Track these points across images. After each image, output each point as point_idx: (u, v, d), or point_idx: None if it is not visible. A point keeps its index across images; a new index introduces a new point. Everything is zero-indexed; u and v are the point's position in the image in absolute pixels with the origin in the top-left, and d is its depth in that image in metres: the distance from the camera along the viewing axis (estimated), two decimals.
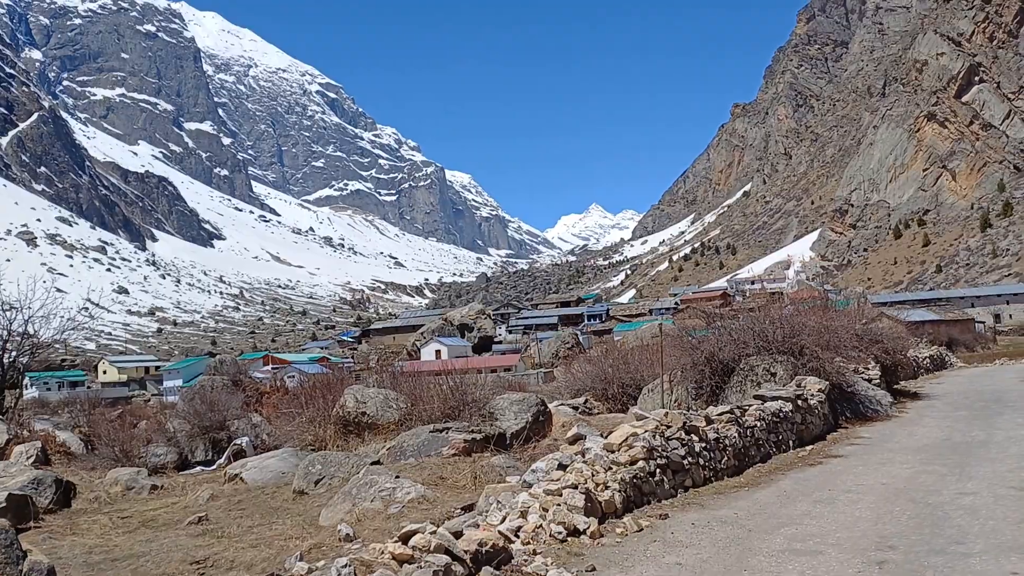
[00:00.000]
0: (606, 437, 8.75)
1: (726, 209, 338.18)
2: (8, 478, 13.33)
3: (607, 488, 7.56)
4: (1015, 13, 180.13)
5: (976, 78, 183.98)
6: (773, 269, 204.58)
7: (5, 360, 25.88)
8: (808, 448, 12.37)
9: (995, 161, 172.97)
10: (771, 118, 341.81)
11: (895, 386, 20.12)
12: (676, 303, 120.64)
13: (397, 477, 10.82)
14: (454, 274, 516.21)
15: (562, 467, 8.30)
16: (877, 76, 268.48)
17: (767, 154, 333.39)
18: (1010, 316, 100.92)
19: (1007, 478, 9.06)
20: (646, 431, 8.66)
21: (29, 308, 28.27)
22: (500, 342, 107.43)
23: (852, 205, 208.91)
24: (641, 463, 8.15)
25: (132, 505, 13.22)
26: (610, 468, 7.93)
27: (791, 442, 12.41)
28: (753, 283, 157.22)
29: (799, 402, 13.00)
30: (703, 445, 9.62)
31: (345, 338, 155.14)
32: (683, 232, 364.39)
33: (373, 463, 12.30)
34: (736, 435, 10.60)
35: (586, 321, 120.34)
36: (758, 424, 11.46)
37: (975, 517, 7.31)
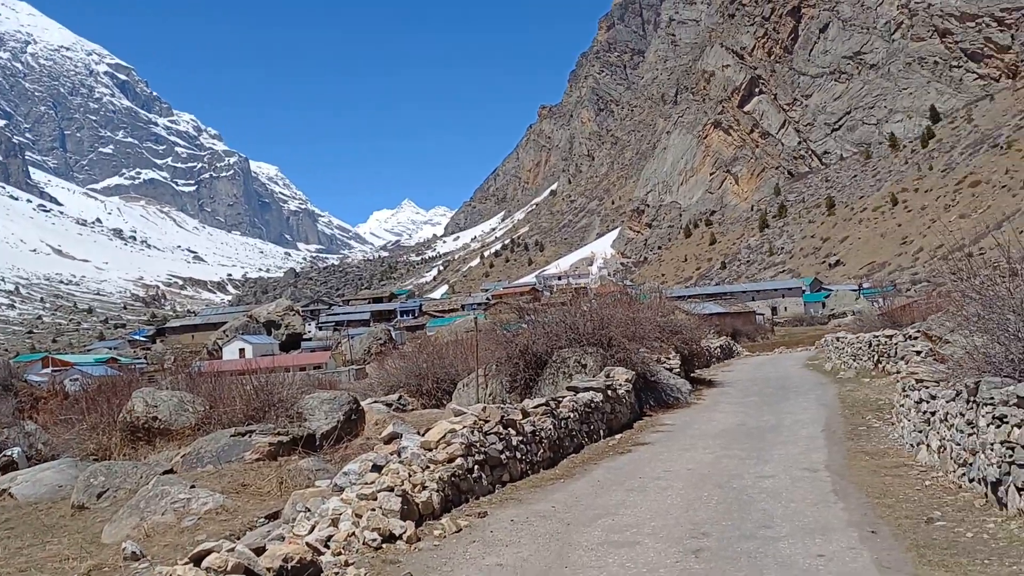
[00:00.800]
0: (423, 435, 8.41)
1: (534, 207, 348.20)
2: None
3: (425, 488, 7.21)
4: (790, 30, 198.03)
5: (757, 89, 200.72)
6: (578, 265, 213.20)
7: None
8: (617, 437, 12.66)
9: (772, 167, 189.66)
10: (575, 120, 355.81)
11: (692, 374, 21.26)
12: (488, 298, 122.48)
13: (192, 486, 9.92)
14: (260, 269, 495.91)
15: (377, 468, 7.87)
16: (670, 84, 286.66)
17: (572, 155, 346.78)
18: (785, 309, 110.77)
19: (799, 460, 9.65)
20: (464, 427, 8.40)
21: None
22: (310, 339, 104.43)
23: (648, 205, 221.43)
24: (460, 460, 7.88)
25: None
26: (428, 467, 7.59)
27: (602, 431, 12.65)
28: (560, 279, 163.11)
29: (609, 392, 13.30)
30: (520, 439, 9.52)
31: (137, 337, 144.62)
32: (494, 229, 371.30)
33: (165, 472, 11.24)
34: (551, 427, 10.62)
35: (399, 317, 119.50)
36: (572, 415, 11.56)
37: (777, 500, 7.64)
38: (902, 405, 10.32)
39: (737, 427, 12.95)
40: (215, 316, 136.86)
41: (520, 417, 9.93)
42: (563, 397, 12.08)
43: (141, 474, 11.20)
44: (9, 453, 16.32)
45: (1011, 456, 6.15)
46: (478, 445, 8.38)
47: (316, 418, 13.96)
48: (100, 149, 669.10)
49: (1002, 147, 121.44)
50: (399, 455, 8.02)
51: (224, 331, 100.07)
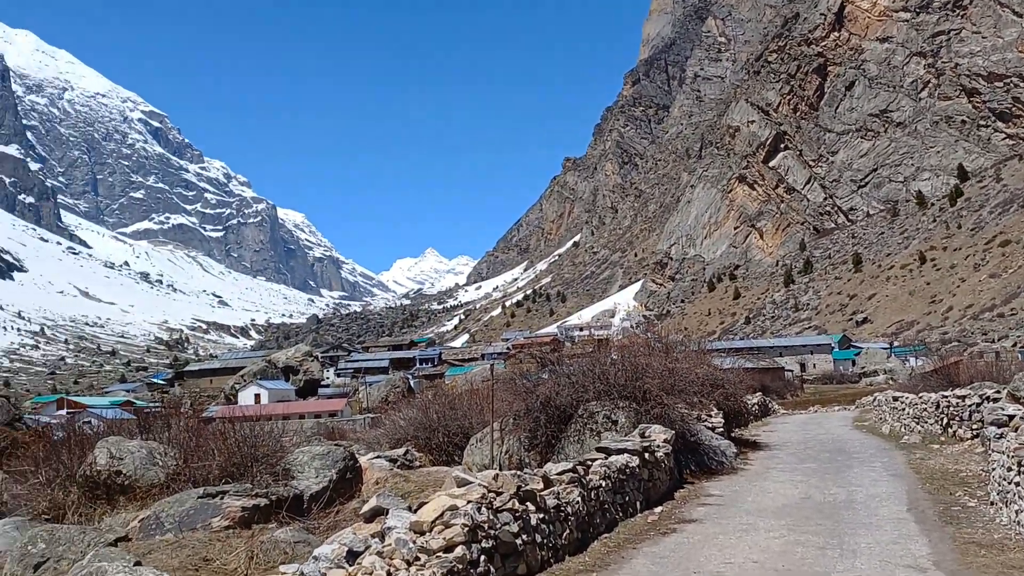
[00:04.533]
0: (416, 511, 6.50)
1: (557, 258, 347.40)
2: None
3: None
4: (815, 88, 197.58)
5: (782, 145, 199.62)
6: (600, 316, 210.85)
7: None
8: (657, 510, 10.65)
9: (797, 222, 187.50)
10: (599, 173, 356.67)
11: (732, 434, 19.17)
12: (508, 348, 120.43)
13: (137, 564, 8.04)
14: (283, 315, 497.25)
15: (353, 555, 5.99)
16: (695, 139, 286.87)
17: (595, 207, 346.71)
18: (814, 366, 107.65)
19: (896, 553, 7.63)
20: (469, 502, 6.49)
21: None
22: (327, 385, 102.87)
23: (671, 258, 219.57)
24: (460, 549, 5.95)
25: None
26: (417, 559, 5.68)
27: (638, 503, 10.67)
28: (582, 330, 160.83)
29: (646, 455, 11.33)
30: (541, 516, 7.57)
31: (156, 380, 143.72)
32: (516, 279, 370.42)
33: (118, 539, 9.39)
34: (580, 500, 8.66)
35: (418, 365, 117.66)
36: (603, 484, 9.61)
37: None
38: (1017, 483, 8.28)
39: (802, 502, 10.89)
40: (234, 360, 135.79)
41: (541, 487, 8.01)
42: (592, 460, 10.14)
43: (89, 541, 9.35)
44: None
45: None
46: (486, 527, 6.46)
47: (305, 476, 12.11)
48: (131, 194, 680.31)
49: None
50: (382, 539, 6.12)
51: (242, 376, 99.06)
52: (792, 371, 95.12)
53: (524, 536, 7.06)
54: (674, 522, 9.85)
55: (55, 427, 20.43)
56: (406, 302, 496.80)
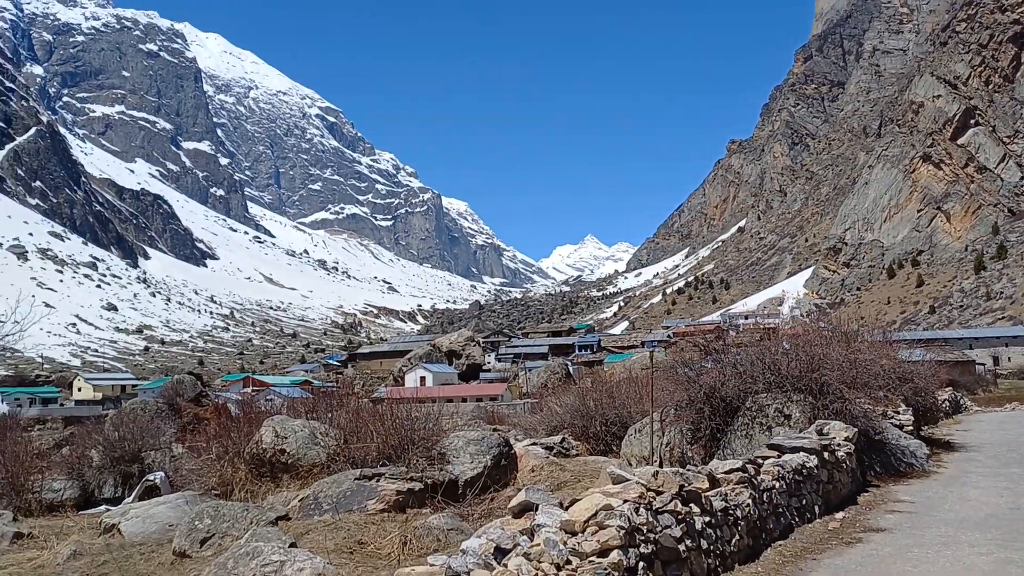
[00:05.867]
0: (567, 508, 5.98)
1: (720, 244, 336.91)
2: None
3: None
4: (1011, 58, 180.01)
5: (972, 121, 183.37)
6: (767, 305, 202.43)
7: None
8: (839, 517, 9.59)
9: (990, 204, 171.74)
10: (767, 155, 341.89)
11: (921, 433, 17.40)
12: (669, 335, 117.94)
13: (292, 545, 8.04)
14: (447, 301, 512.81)
15: (501, 552, 5.57)
16: (873, 117, 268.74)
17: (762, 191, 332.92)
18: (1008, 359, 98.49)
19: None
20: (625, 501, 5.91)
21: None
22: (488, 370, 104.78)
23: (846, 243, 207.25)
24: (616, 554, 5.38)
25: None
26: (567, 563, 5.17)
27: (816, 508, 9.66)
28: (747, 318, 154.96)
29: (825, 455, 10.26)
30: (706, 520, 6.86)
31: (332, 362, 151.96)
32: (677, 266, 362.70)
33: (273, 521, 9.51)
34: (750, 502, 7.85)
35: (577, 351, 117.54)
36: (777, 485, 8.71)
37: None
38: None
39: (1010, 511, 9.50)
40: (402, 344, 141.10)
41: (706, 487, 7.29)
42: (764, 458, 9.25)
43: (251, 519, 9.56)
44: (152, 478, 15.49)
45: None
46: (645, 530, 5.84)
47: (460, 461, 11.93)
48: (310, 186, 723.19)
49: None
50: (531, 536, 5.65)
51: (409, 359, 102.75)
52: (983, 365, 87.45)
53: (688, 541, 6.38)
54: (859, 530, 8.80)
55: (232, 403, 21.57)
56: (565, 289, 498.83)
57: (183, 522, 9.76)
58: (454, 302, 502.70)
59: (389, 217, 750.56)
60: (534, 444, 15.34)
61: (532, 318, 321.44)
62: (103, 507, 15.42)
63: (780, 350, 13.66)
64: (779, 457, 9.54)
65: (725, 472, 8.01)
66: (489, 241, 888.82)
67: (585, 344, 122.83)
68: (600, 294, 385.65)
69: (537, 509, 6.04)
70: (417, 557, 8.53)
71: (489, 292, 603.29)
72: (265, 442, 12.00)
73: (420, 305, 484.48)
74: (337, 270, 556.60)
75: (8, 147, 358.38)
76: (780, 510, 8.64)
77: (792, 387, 12.94)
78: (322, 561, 7.78)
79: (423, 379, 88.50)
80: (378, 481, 10.30)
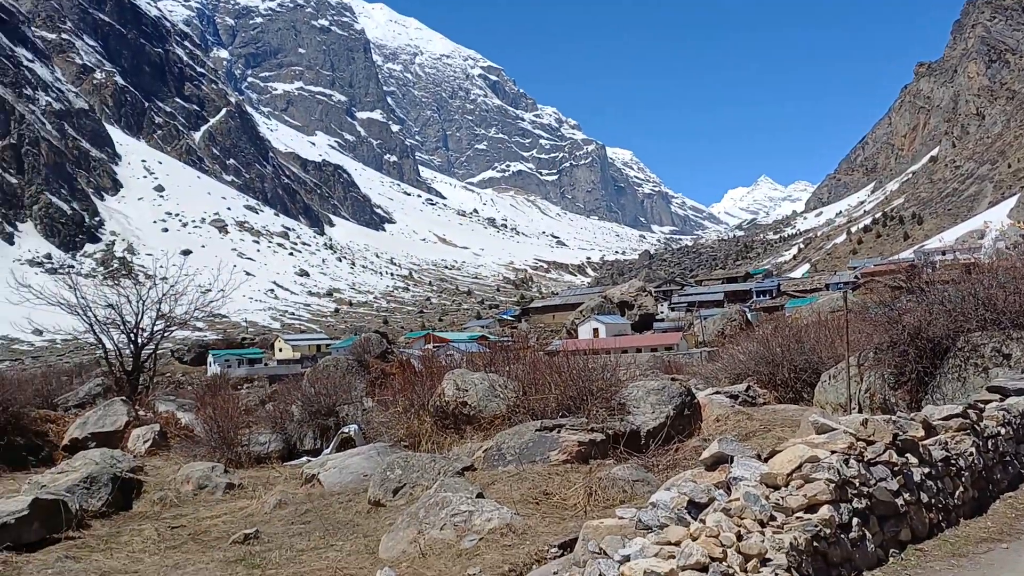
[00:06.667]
0: (766, 460, 5.52)
1: (910, 176, 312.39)
2: (63, 475, 11.78)
3: (766, 564, 4.37)
4: None
5: None
6: (966, 239, 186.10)
7: (140, 339, 25.47)
8: None
9: None
10: (960, 76, 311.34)
11: None
12: (856, 276, 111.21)
13: (479, 496, 8.10)
14: (616, 252, 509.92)
15: (695, 506, 5.23)
16: None
17: (956, 115, 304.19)
18: None
19: None
20: (833, 452, 5.37)
21: (165, 282, 27.96)
22: (662, 320, 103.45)
23: None
24: (826, 509, 4.89)
25: (197, 509, 11.34)
26: (772, 519, 4.74)
27: None
28: (944, 253, 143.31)
29: None
30: (925, 471, 6.17)
31: (506, 317, 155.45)
32: (862, 202, 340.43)
33: (460, 471, 9.64)
34: (973, 450, 7.03)
35: (754, 297, 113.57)
36: (1002, 431, 7.78)
37: None
38: None
39: None
40: (573, 297, 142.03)
41: (921, 435, 6.57)
42: (984, 402, 8.29)
43: (439, 469, 9.77)
44: (347, 431, 16.31)
45: None
46: (857, 483, 5.29)
47: (641, 411, 11.62)
48: (476, 146, 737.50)
49: None
50: (727, 490, 5.27)
51: (580, 311, 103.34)
52: None
53: (905, 495, 5.75)
54: None
55: (415, 359, 22.37)
56: (739, 233, 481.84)
57: (376, 472, 10.12)
58: (623, 253, 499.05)
59: (554, 171, 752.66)
60: (717, 393, 14.78)
61: (705, 265, 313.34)
62: (304, 458, 16.42)
63: (995, 283, 12.26)
64: (1002, 400, 8.54)
65: (942, 419, 7.21)
66: (656, 189, 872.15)
67: (763, 289, 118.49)
68: (777, 237, 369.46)
69: (732, 461, 5.63)
70: (603, 508, 8.38)
71: (658, 241, 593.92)
72: (447, 395, 12.23)
73: (589, 258, 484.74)
74: (506, 227, 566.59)
75: (203, 129, 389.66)
76: (1007, 459, 7.72)
77: (1011, 323, 11.60)
78: (509, 511, 7.77)
79: (596, 331, 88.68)
80: (559, 432, 10.22)
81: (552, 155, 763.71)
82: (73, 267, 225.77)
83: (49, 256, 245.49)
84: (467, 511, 7.75)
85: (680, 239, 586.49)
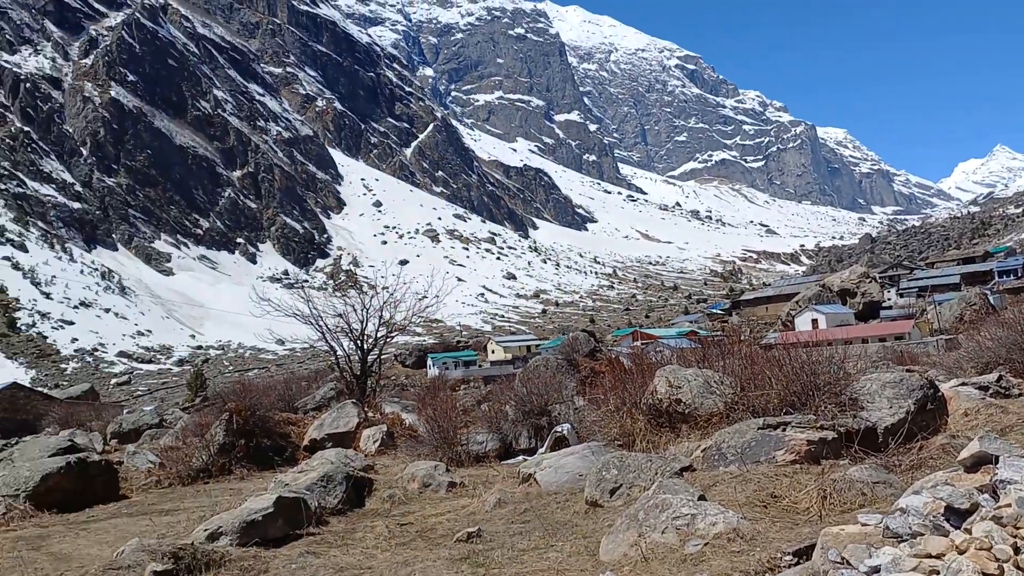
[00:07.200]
0: None
1: None
2: (303, 475, 12.70)
3: None
4: None
5: None
6: None
7: (366, 345, 27.16)
8: None
9: None
10: None
11: None
12: None
13: (701, 498, 7.75)
14: (833, 237, 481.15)
15: (953, 513, 4.62)
16: None
17: None
18: None
19: None
20: None
21: (385, 291, 29.65)
22: (889, 307, 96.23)
23: None
24: None
25: (423, 507, 11.83)
26: None
27: None
28: None
29: None
30: None
31: (715, 311, 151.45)
32: None
33: (678, 472, 9.31)
34: None
35: (996, 278, 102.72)
36: None
37: None
38: None
39: None
40: (787, 287, 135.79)
41: None
42: None
43: (656, 470, 9.50)
44: (560, 430, 16.41)
45: None
46: None
47: (876, 406, 10.68)
48: (675, 138, 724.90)
49: None
50: (994, 495, 4.60)
51: (796, 302, 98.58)
52: None
53: None
54: None
55: (624, 357, 22.13)
56: (974, 209, 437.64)
57: (591, 472, 10.01)
58: (840, 238, 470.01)
59: (760, 157, 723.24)
60: (963, 384, 13.33)
61: (935, 246, 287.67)
62: (520, 457, 16.72)
63: None
64: None
65: None
66: (875, 168, 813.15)
67: (1006, 269, 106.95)
68: (1020, 211, 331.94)
69: (997, 461, 4.93)
70: (840, 513, 7.76)
71: (880, 223, 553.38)
72: (659, 392, 11.90)
73: (803, 245, 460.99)
74: (711, 219, 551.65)
75: (413, 144, 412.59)
76: None
77: None
78: (735, 515, 7.36)
79: (815, 321, 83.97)
80: (784, 430, 9.60)
81: (757, 140, 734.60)
82: (307, 281, 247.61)
83: (286, 272, 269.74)
84: (689, 514, 7.43)
85: (905, 219, 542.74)
